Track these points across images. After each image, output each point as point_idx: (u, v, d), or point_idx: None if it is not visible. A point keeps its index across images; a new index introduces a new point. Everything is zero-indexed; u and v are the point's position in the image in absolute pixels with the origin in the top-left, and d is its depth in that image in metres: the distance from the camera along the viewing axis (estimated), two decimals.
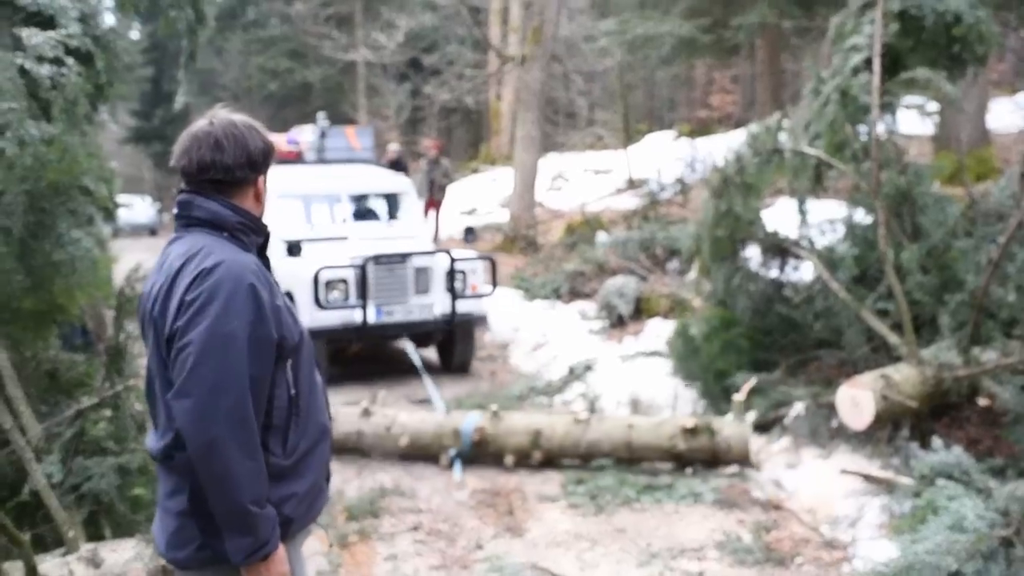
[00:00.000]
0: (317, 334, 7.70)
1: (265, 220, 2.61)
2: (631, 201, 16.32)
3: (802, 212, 6.76)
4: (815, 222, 6.81)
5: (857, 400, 5.44)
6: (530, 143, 14.65)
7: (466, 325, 9.28)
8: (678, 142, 19.70)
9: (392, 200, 10.43)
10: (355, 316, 8.58)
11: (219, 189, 2.47)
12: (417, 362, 9.57)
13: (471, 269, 9.20)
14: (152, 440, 2.49)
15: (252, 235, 2.52)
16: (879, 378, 5.49)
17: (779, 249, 6.84)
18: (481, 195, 22.63)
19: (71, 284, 3.73)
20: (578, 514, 5.68)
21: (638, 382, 7.84)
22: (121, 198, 7.73)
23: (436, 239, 17.42)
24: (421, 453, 6.46)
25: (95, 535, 4.04)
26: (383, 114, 25.40)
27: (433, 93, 19.94)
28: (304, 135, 11.90)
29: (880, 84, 5.76)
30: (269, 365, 2.37)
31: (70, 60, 3.79)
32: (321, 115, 12.25)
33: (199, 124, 2.50)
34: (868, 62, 5.85)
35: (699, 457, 5.92)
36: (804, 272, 6.87)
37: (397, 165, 18.30)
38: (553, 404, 8.23)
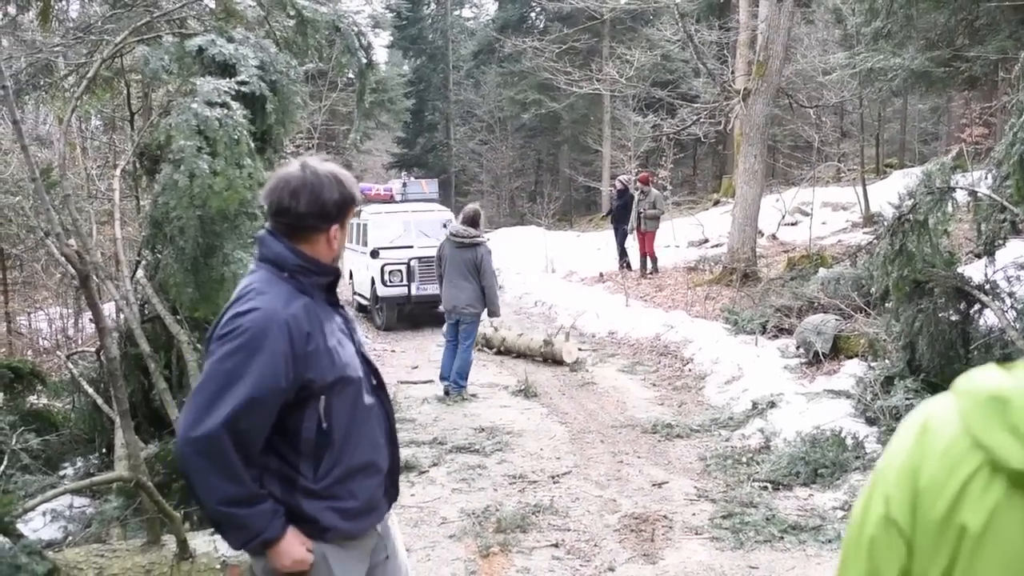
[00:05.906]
0: (385, 300, 15.31)
1: (340, 263, 2.84)
2: (864, 237, 15.67)
3: (988, 254, 6.40)
4: (1004, 265, 6.43)
5: None
6: (751, 177, 14.45)
7: None
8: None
9: (443, 223, 15.75)
10: (404, 291, 15.04)
11: (289, 233, 2.67)
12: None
13: None
14: None
15: (313, 276, 2.69)
16: None
17: (962, 293, 6.50)
18: (715, 226, 22.54)
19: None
20: (716, 548, 5.69)
21: (819, 421, 7.63)
22: None
23: (655, 268, 17.51)
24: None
25: None
26: (624, 145, 25.79)
27: (663, 125, 20.06)
28: (396, 185, 18.82)
29: None
30: (271, 407, 2.54)
31: (235, 104, 4.41)
32: (405, 174, 20.82)
33: (289, 169, 2.68)
34: None
35: (547, 356, 11.99)
36: (990, 318, 6.49)
37: (623, 194, 18.67)
38: (731, 438, 8.19)
